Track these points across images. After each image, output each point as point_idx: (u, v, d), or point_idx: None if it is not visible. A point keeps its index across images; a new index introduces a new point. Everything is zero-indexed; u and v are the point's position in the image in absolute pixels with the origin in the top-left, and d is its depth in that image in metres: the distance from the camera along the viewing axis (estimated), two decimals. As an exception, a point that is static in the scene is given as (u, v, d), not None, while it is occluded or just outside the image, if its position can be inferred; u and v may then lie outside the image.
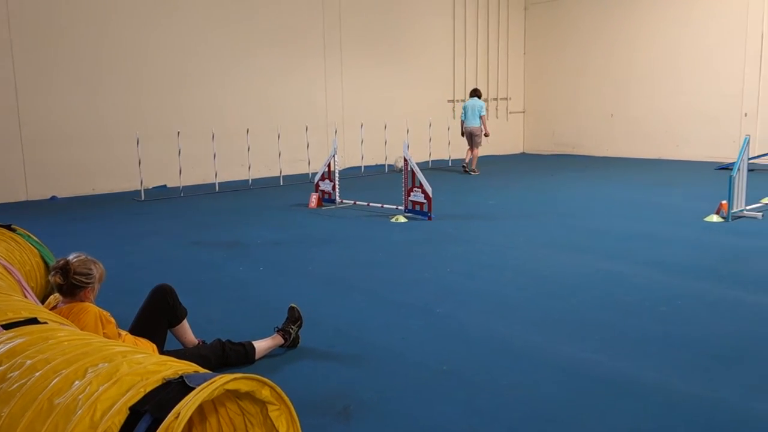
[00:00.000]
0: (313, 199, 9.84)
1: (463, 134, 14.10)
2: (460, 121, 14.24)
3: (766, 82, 14.33)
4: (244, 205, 10.19)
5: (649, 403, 3.35)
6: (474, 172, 13.80)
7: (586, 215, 8.77)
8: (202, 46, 12.72)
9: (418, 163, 9.43)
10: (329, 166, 9.86)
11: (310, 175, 12.65)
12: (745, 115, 14.71)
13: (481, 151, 16.40)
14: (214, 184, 11.92)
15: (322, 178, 10.00)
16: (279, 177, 12.79)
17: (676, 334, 4.32)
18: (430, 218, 8.46)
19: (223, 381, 2.08)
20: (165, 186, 12.20)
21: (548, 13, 18.15)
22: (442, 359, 3.95)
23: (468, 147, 14.03)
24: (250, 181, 12.39)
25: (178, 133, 11.37)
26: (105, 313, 3.48)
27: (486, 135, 13.97)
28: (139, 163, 10.91)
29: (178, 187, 11.53)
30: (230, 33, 13.09)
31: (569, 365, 3.84)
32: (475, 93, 14.16)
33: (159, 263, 6.54)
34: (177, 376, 2.09)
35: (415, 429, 3.15)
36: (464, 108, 14.05)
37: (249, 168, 12.39)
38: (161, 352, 3.67)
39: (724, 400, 3.35)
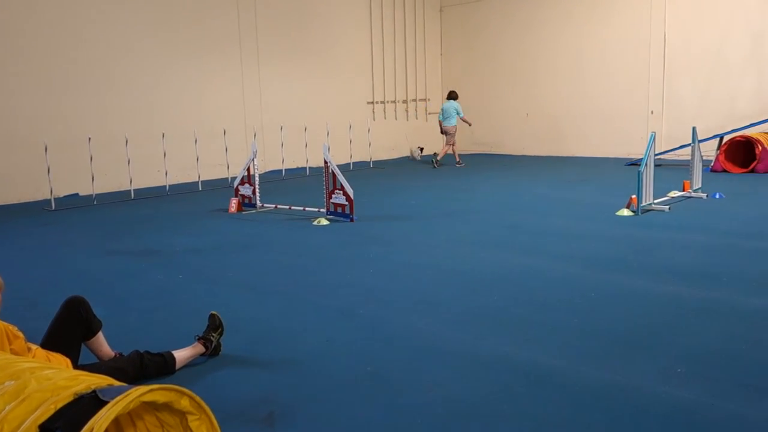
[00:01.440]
0: (233, 203, 9.67)
1: (442, 132, 15.45)
2: (438, 121, 15.52)
3: (670, 82, 15.09)
4: (162, 212, 9.91)
5: (568, 391, 3.46)
6: (459, 164, 15.37)
7: (504, 212, 8.98)
8: (115, 50, 12.30)
9: (339, 165, 9.42)
10: (249, 169, 9.72)
11: (230, 180, 12.44)
12: (652, 113, 15.44)
13: (401, 152, 16.76)
14: (129, 191, 11.54)
15: (242, 183, 9.85)
16: (197, 182, 12.51)
17: (591, 324, 4.47)
18: (352, 220, 8.46)
19: (138, 393, 2.02)
20: (77, 194, 11.73)
21: (463, 16, 18.51)
22: (365, 360, 3.96)
23: (443, 144, 15.55)
24: (167, 187, 12.07)
25: (89, 139, 10.95)
26: (11, 327, 3.30)
27: (469, 125, 15.85)
28: (48, 171, 10.43)
29: (91, 195, 11.10)
30: (144, 37, 12.71)
31: (490, 360, 3.91)
32: (451, 95, 15.52)
33: (71, 274, 6.28)
34: (89, 391, 2.01)
35: (339, 431, 3.14)
36: (442, 109, 15.41)
37: (166, 174, 12.07)
38: (75, 366, 3.51)
39: (637, 386, 3.49)
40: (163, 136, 11.97)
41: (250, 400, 3.47)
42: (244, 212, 9.58)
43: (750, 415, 3.14)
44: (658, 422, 3.10)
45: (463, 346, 4.15)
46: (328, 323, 4.67)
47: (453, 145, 15.46)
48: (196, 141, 12.39)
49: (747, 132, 12.82)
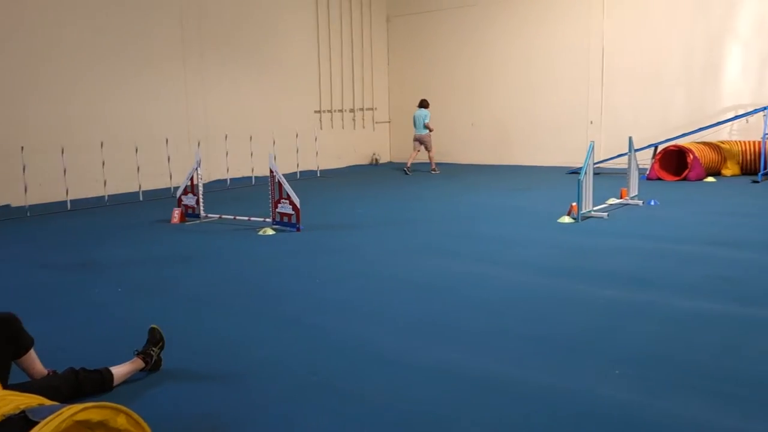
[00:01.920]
0: (176, 214, 9.49)
1: (414, 140, 15.91)
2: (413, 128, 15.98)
3: (608, 92, 15.53)
4: (100, 223, 9.65)
5: (513, 396, 3.50)
6: (434, 170, 15.81)
7: (451, 221, 9.06)
8: (50, 59, 11.95)
9: (285, 175, 9.36)
10: (192, 179, 9.56)
11: (173, 190, 12.21)
12: (591, 122, 15.85)
13: (347, 160, 16.84)
14: (66, 202, 11.19)
15: (185, 192, 9.68)
16: (138, 192, 12.24)
17: (534, 329, 4.55)
18: (298, 229, 8.41)
19: (71, 412, 1.95)
20: (9, 205, 11.32)
21: (409, 25, 18.67)
22: (312, 370, 3.93)
23: (413, 151, 16.01)
24: (106, 198, 11.77)
25: (22, 148, 10.59)
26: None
27: (430, 130, 15.82)
28: (-22, 181, 10.04)
29: (24, 206, 10.72)
30: (81, 45, 12.39)
31: (437, 367, 3.93)
32: (422, 104, 15.93)
33: (1, 290, 6.04)
34: (18, 412, 1.94)
35: (284, 443, 3.11)
36: (414, 118, 15.87)
37: (105, 184, 11.77)
38: (5, 386, 3.37)
39: (579, 389, 3.56)
40: (101, 145, 11.67)
41: (192, 415, 3.40)
42: (187, 223, 9.41)
43: (684, 414, 3.24)
44: (598, 423, 3.18)
45: (410, 354, 4.16)
46: (273, 334, 4.62)
47: (430, 151, 15.88)
48: (136, 150, 12.12)
49: (679, 142, 13.28)
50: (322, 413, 3.38)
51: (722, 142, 13.43)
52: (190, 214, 9.61)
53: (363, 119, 18.59)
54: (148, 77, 13.46)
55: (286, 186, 8.43)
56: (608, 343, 4.25)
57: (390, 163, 19.08)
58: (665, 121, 14.63)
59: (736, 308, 4.84)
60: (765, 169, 12.44)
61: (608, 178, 12.75)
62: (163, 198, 12.03)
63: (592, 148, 8.89)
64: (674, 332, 4.40)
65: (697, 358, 3.95)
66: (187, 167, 12.01)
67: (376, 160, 18.83)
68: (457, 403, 3.46)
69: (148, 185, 12.77)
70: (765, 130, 12.35)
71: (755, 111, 12.98)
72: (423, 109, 15.91)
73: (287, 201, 8.47)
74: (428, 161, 16.09)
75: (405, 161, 17.34)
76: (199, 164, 9.48)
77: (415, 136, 15.90)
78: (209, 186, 13.14)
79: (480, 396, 3.53)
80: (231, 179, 14.03)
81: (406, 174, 15.69)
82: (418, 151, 16.00)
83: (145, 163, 12.41)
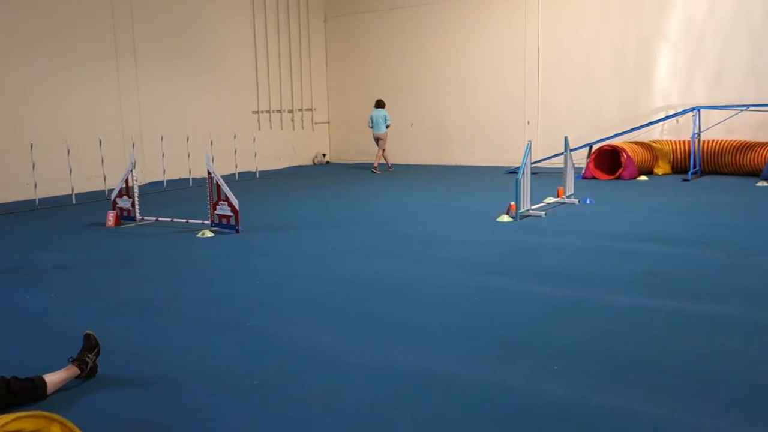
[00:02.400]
0: (111, 217, 9.23)
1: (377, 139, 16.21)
2: (369, 128, 16.24)
3: (544, 93, 15.89)
4: (30, 228, 9.30)
5: (454, 393, 3.54)
6: (389, 169, 16.32)
7: (390, 221, 9.10)
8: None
9: (224, 176, 9.22)
10: (127, 181, 9.31)
11: (107, 192, 11.87)
12: (528, 122, 16.17)
13: (286, 162, 16.78)
14: (-6, 205, 10.76)
15: (120, 195, 9.42)
16: (71, 195, 11.85)
17: (474, 327, 4.61)
18: (238, 231, 8.30)
19: (2, 422, 1.88)
20: (-68, 210, 10.81)
21: (347, 26, 18.67)
22: (252, 374, 3.88)
23: (377, 151, 16.21)
24: (36, 201, 11.35)
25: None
26: None
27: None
28: None
29: (-51, 210, 10.27)
30: (8, 43, 11.92)
31: (378, 366, 3.94)
32: (379, 104, 16.18)
33: (-74, 298, 5.76)
34: (-57, 424, 1.85)
35: (226, 449, 3.06)
36: (371, 117, 16.03)
37: (35, 187, 11.35)
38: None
39: (518, 384, 3.62)
40: (31, 147, 11.25)
41: (129, 423, 3.31)
42: (122, 226, 9.17)
43: (619, 406, 3.34)
44: (537, 418, 3.24)
45: (350, 354, 4.16)
46: (212, 338, 4.54)
47: (383, 150, 16.16)
48: (68, 152, 11.73)
49: (613, 141, 13.69)
50: (261, 417, 3.34)
51: (654, 142, 13.91)
52: (125, 217, 9.37)
53: (302, 120, 18.49)
54: (78, 77, 13.06)
55: (225, 187, 8.31)
56: (547, 339, 4.34)
57: (329, 164, 19.03)
58: (599, 121, 15.06)
59: (668, 303, 5.02)
60: (695, 167, 12.94)
61: (545, 177, 13.03)
62: (97, 201, 11.69)
63: (529, 148, 9.07)
64: (610, 327, 4.52)
65: (631, 352, 4.07)
66: (121, 169, 11.72)
67: (322, 160, 18.73)
68: (397, 401, 3.48)
69: (81, 188, 12.39)
70: (694, 130, 12.84)
71: (685, 111, 13.49)
72: (381, 109, 16.09)
73: (226, 203, 8.34)
74: (379, 160, 16.29)
75: (345, 162, 17.39)
76: (134, 166, 9.24)
77: (376, 135, 16.06)
78: (145, 188, 12.84)
79: (420, 393, 3.56)
80: (168, 181, 13.73)
81: (374, 173, 15.97)
82: (382, 149, 16.20)
83: (77, 165, 12.02)
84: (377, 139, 16.14)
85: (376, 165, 16.19)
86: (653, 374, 3.73)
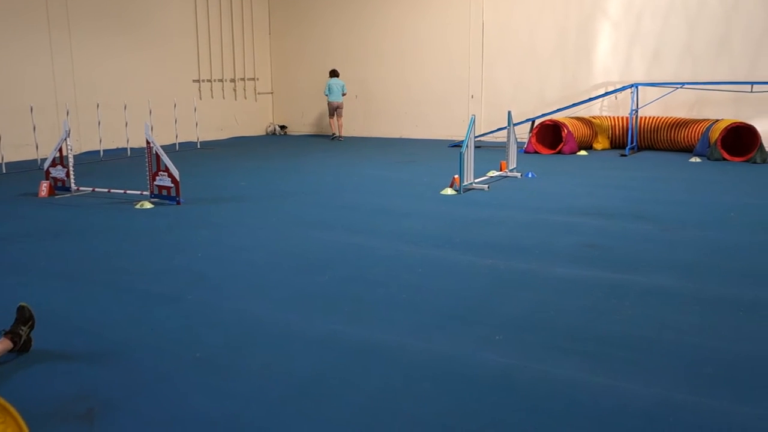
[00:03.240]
0: (44, 187, 8.90)
1: (335, 108, 16.52)
2: (325, 96, 16.57)
3: (488, 67, 15.97)
4: (-42, 198, 8.90)
5: (398, 365, 3.57)
6: (340, 139, 16.63)
7: (335, 193, 9.05)
8: None
9: (164, 146, 9.00)
10: (61, 150, 8.97)
11: (39, 162, 11.42)
12: (472, 96, 16.26)
13: (230, 132, 16.50)
14: None
15: (54, 165, 9.08)
16: (1, 164, 11.35)
17: (418, 298, 4.65)
18: (179, 203, 8.12)
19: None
20: None
21: (291, -5, 18.30)
22: (194, 347, 3.82)
23: (331, 119, 16.63)
24: (-36, 170, 10.85)
25: None
26: None
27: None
28: None
29: None
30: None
31: (322, 338, 3.94)
32: (334, 73, 16.51)
33: None
34: None
35: (167, 422, 3.01)
36: (328, 86, 16.38)
37: (-38, 155, 10.83)
38: None
39: (461, 355, 3.68)
40: (-43, 112, 10.71)
41: (66, 397, 3.22)
42: (57, 196, 8.85)
43: (557, 374, 3.43)
44: (480, 386, 3.30)
45: (294, 326, 4.14)
46: (152, 311, 4.45)
47: (341, 118, 16.63)
48: (-2, 119, 11.22)
49: (555, 116, 13.91)
50: (203, 390, 3.30)
51: (594, 118, 14.19)
52: (59, 187, 9.04)
53: (245, 90, 18.12)
54: (7, 41, 12.44)
55: (165, 158, 8.10)
56: (490, 310, 4.41)
57: (273, 135, 18.77)
58: (542, 96, 15.25)
59: (606, 274, 5.16)
60: (632, 143, 13.28)
61: (489, 151, 13.17)
62: (29, 170, 11.24)
63: (473, 122, 9.12)
64: (550, 298, 4.63)
65: (570, 322, 4.18)
66: (54, 138, 11.27)
67: (278, 129, 18.69)
68: (339, 372, 3.48)
69: (12, 157, 11.89)
70: (632, 106, 13.15)
71: (623, 88, 13.78)
72: (337, 78, 16.48)
73: (166, 173, 8.14)
74: (341, 128, 16.79)
75: (291, 133, 17.19)
76: (68, 134, 8.90)
77: (334, 104, 16.41)
78: (80, 158, 12.42)
79: (363, 364, 3.57)
80: (104, 151, 13.29)
81: (337, 140, 16.52)
82: (341, 117, 16.60)
83: (7, 132, 11.50)
84: (336, 108, 16.43)
85: (339, 132, 16.66)
86: (591, 343, 3.84)
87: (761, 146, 11.61)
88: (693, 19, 13.76)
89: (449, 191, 8.86)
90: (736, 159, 11.79)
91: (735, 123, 11.95)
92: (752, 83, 12.58)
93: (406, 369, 3.52)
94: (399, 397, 3.22)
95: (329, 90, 16.41)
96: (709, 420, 2.98)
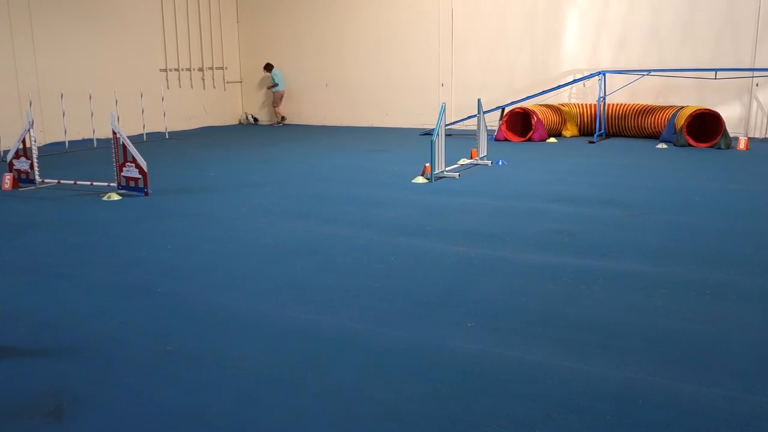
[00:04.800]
0: (7, 179, 8.71)
1: (276, 97, 17.91)
2: (272, 85, 17.77)
3: (458, 56, 15.97)
4: None
5: (371, 353, 3.57)
6: (280, 123, 18.07)
7: (305, 182, 9.00)
8: None
9: (131, 137, 8.86)
10: (24, 141, 8.78)
11: (2, 153, 11.17)
12: (442, 85, 16.26)
13: (199, 122, 16.37)
14: None
15: (17, 156, 8.88)
16: (-38, 156, 11.09)
17: (390, 287, 4.65)
18: (147, 194, 8.01)
19: None
20: None
21: (259, -18, 18.09)
22: (165, 340, 3.78)
23: (277, 107, 17.95)
24: (-77, 163, 10.57)
25: None
26: None
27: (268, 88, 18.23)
28: None
29: None
30: None
31: (293, 329, 3.92)
32: (272, 66, 17.82)
33: None
34: None
35: (137, 416, 2.98)
36: (279, 76, 17.74)
37: None
38: None
39: (433, 342, 3.70)
40: None
41: (32, 394, 3.17)
42: (21, 189, 8.67)
43: (528, 359, 3.46)
44: (452, 373, 3.32)
45: (266, 317, 4.12)
46: (122, 304, 4.39)
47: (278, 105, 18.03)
48: (-43, 110, 10.93)
49: (524, 104, 13.98)
50: (174, 383, 3.27)
51: (562, 105, 14.30)
52: (23, 179, 8.85)
53: (213, 79, 17.90)
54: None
55: (132, 148, 7.97)
56: (461, 298, 4.43)
57: (240, 124, 18.59)
58: (511, 84, 15.32)
59: (575, 260, 5.22)
60: (600, 130, 13.41)
61: (459, 139, 13.19)
62: (-9, 162, 10.99)
63: (443, 110, 9.13)
64: (521, 284, 4.67)
65: (541, 308, 4.22)
66: (17, 129, 11.01)
67: (250, 119, 18.85)
68: (312, 363, 3.48)
69: (-27, 148, 11.62)
70: (600, 93, 13.27)
71: (591, 75, 13.90)
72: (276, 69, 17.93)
73: (133, 164, 8.02)
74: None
75: (260, 123, 17.08)
76: (31, 125, 8.71)
77: (282, 93, 17.88)
78: (45, 149, 12.18)
79: (336, 355, 3.57)
80: (69, 142, 13.04)
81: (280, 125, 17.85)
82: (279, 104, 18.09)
83: (-32, 123, 11.22)
84: (281, 96, 17.89)
85: (280, 119, 18.00)
86: (560, 328, 3.88)
87: (725, 132, 11.81)
88: (658, 5, 13.90)
89: (420, 179, 8.87)
90: (702, 145, 11.98)
91: (700, 109, 12.13)
92: (716, 70, 12.77)
93: (379, 357, 3.52)
94: (372, 385, 3.23)
95: (280, 80, 17.75)
96: (676, 401, 3.04)
